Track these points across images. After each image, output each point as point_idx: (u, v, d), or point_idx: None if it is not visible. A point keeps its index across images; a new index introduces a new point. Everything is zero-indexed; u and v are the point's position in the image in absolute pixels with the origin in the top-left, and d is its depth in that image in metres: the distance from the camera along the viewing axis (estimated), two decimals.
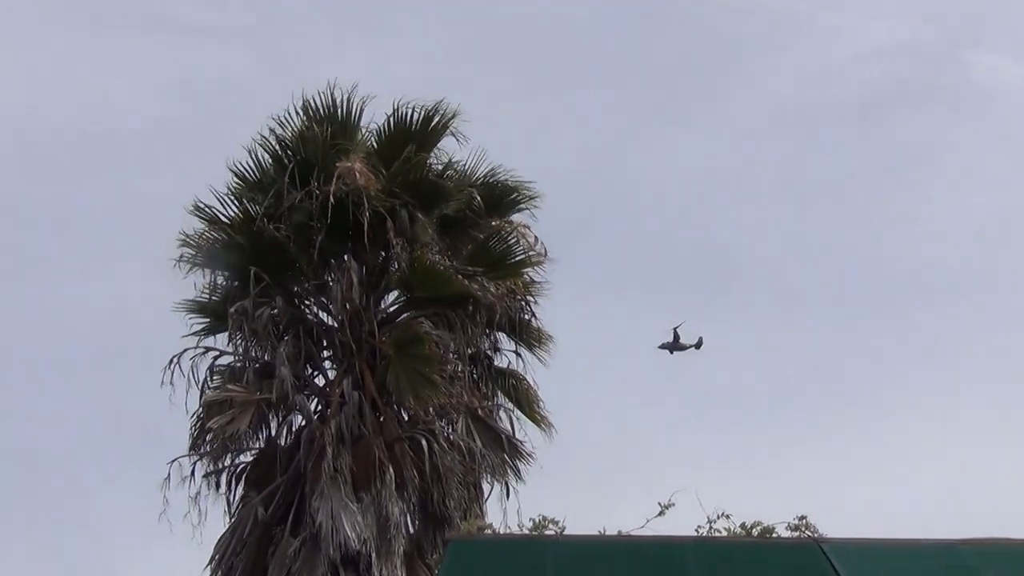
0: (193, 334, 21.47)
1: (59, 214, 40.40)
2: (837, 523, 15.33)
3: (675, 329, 27.89)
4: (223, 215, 21.61)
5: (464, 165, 21.91)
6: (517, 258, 21.68)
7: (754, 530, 15.76)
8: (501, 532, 17.99)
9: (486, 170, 21.96)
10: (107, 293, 37.17)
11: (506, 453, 20.87)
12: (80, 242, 39.72)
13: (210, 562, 20.50)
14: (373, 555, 19.56)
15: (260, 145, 21.60)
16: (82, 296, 38.84)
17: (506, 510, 20.58)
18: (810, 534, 15.30)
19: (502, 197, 21.95)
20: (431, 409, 20.63)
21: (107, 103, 41.83)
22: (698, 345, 27.89)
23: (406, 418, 21.07)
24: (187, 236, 21.37)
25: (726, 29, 43.94)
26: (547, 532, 15.55)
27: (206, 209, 21.55)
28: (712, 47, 45.10)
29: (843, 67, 44.58)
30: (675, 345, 27.93)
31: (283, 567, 19.74)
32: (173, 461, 20.44)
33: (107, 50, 42.85)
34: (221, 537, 20.60)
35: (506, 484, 20.81)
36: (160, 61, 42.23)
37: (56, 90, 41.93)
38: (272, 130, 21.60)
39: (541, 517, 15.77)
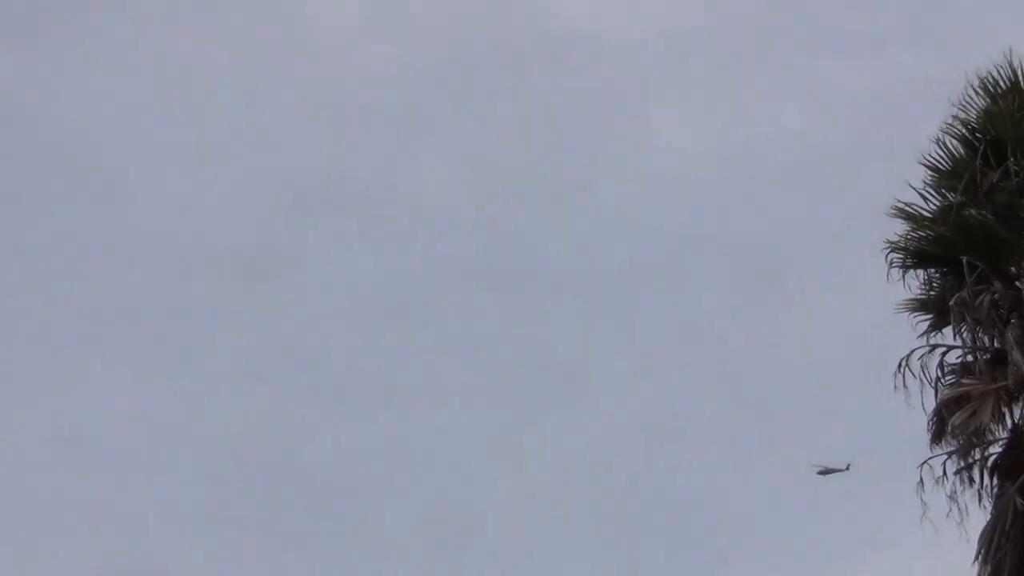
0: (921, 335, 21.44)
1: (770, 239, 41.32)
2: None
3: None
4: (924, 210, 21.50)
5: None
6: None
7: None
8: None
9: None
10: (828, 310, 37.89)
11: None
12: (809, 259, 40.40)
13: (976, 557, 20.36)
14: None
15: (946, 133, 21.42)
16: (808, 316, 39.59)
17: None
18: None
19: None
20: None
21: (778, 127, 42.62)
22: None
23: None
24: (891, 241, 21.38)
25: None
26: None
27: (906, 208, 21.50)
28: None
29: None
30: None
31: None
32: (923, 464, 20.49)
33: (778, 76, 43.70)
34: (983, 532, 20.42)
35: None
36: (823, 76, 42.63)
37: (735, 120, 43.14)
38: (955, 116, 21.37)
39: None
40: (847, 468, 21.96)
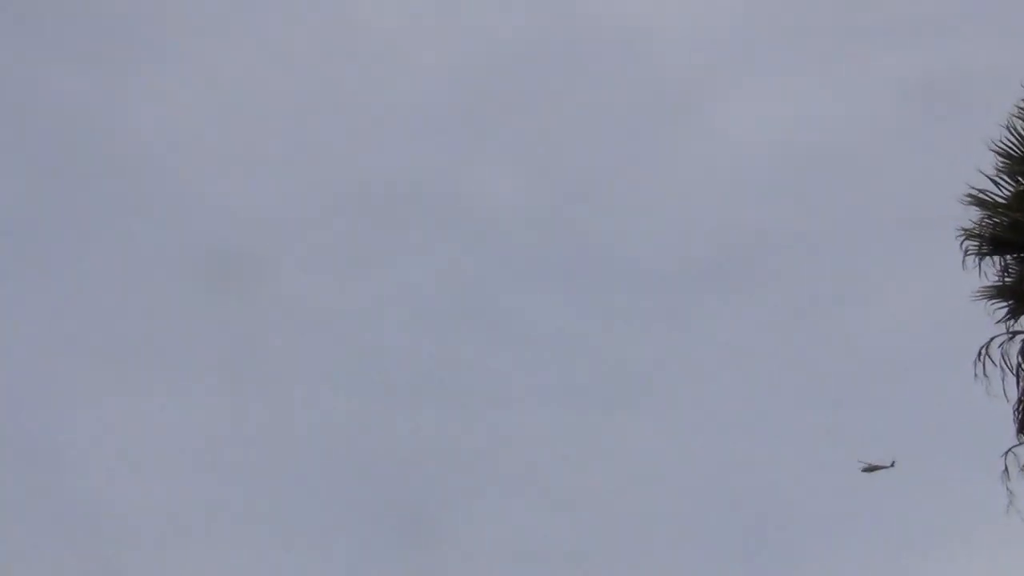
0: (999, 322, 21.21)
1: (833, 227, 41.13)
2: None
3: None
4: (998, 196, 21.30)
5: None
6: None
7: None
8: None
9: None
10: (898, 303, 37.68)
11: None
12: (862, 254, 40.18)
13: None
14: None
15: (1017, 117, 21.22)
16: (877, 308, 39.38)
17: None
18: None
19: None
20: None
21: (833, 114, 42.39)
22: None
23: None
24: (966, 229, 21.21)
25: None
26: None
27: (980, 195, 21.31)
28: None
29: None
30: None
31: None
32: (1007, 452, 20.30)
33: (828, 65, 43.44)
34: None
35: None
36: (886, 66, 42.32)
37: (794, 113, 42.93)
38: None
39: None
40: (892, 465, 21.52)
